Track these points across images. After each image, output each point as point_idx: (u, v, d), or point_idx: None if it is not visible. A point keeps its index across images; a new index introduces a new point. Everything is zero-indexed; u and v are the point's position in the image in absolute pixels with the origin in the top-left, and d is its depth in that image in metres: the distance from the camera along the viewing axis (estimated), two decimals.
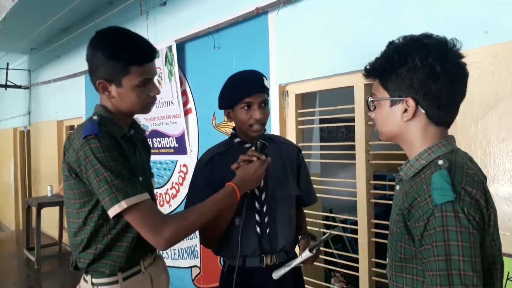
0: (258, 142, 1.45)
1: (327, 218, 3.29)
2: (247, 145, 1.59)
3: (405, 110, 0.96)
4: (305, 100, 2.72)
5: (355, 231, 2.42)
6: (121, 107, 1.31)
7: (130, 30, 1.32)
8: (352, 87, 2.31)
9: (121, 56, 1.23)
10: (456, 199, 0.85)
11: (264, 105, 1.55)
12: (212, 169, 1.58)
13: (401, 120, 0.98)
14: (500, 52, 1.69)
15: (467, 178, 0.89)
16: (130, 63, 1.23)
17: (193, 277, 3.45)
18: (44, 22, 5.00)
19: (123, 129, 1.33)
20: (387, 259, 1.07)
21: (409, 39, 0.98)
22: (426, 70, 0.92)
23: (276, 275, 1.48)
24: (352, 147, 2.36)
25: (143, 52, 1.26)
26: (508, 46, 1.67)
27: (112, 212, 1.18)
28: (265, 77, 1.57)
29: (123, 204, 1.16)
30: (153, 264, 1.42)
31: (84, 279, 1.36)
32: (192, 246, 3.45)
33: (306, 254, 1.46)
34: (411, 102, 0.95)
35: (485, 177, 1.02)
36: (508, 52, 1.67)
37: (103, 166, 1.17)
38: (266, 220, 1.56)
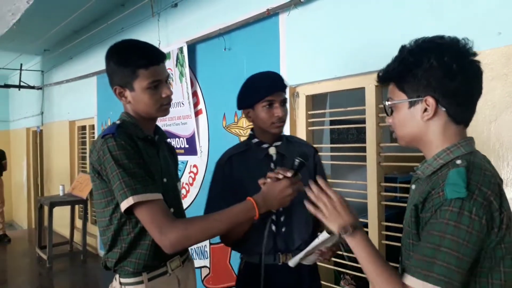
0: (296, 160, 1.36)
1: None
2: (265, 145, 1.62)
3: (425, 110, 0.97)
4: (316, 101, 2.72)
5: (366, 234, 2.41)
6: (139, 110, 1.38)
7: (139, 40, 1.40)
8: (363, 88, 2.30)
9: (128, 61, 1.32)
10: (467, 197, 0.85)
11: (284, 103, 1.58)
12: (231, 169, 1.63)
13: (422, 120, 0.98)
14: None
15: (484, 179, 0.89)
16: (137, 66, 1.31)
17: (202, 278, 3.47)
18: (57, 24, 5.07)
19: (145, 132, 1.38)
20: (401, 257, 1.09)
21: (421, 41, 1.00)
22: (442, 69, 0.93)
23: (292, 262, 1.43)
24: (363, 149, 2.35)
25: (148, 56, 1.33)
26: None
27: (122, 207, 1.22)
28: (283, 77, 1.61)
29: (130, 200, 1.20)
30: (181, 267, 1.44)
31: (115, 278, 1.39)
32: (202, 246, 3.46)
33: (324, 235, 1.35)
34: (430, 100, 0.95)
35: (501, 180, 1.01)
36: None
37: (116, 163, 1.23)
38: (282, 219, 1.58)
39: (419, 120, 0.98)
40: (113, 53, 1.36)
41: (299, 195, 1.57)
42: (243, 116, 1.64)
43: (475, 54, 0.98)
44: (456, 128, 0.99)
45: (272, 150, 1.61)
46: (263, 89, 1.55)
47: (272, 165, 1.61)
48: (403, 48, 1.01)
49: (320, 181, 1.14)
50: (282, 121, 1.57)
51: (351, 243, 1.04)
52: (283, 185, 1.33)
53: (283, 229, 1.57)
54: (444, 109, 0.96)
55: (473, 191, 0.86)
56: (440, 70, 0.94)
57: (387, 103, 1.04)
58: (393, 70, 1.00)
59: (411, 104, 0.98)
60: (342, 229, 1.05)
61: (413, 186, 1.07)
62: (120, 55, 1.34)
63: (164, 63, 1.39)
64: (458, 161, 0.94)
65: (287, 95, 2.68)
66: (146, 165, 1.29)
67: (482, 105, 1.76)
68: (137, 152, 1.28)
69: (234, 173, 1.61)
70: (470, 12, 1.81)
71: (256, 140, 1.64)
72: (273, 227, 1.57)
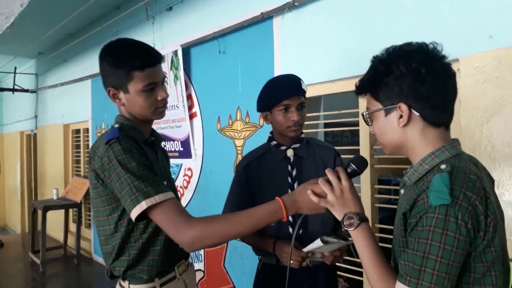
0: (350, 167, 1.14)
1: None
2: (283, 148, 1.65)
3: (400, 116, 0.98)
4: (310, 104, 2.73)
5: None
6: (134, 113, 1.33)
7: (135, 39, 1.35)
8: None
9: (123, 63, 1.26)
10: (452, 203, 0.86)
11: (302, 107, 1.60)
12: (247, 177, 1.67)
13: (398, 127, 0.99)
14: (505, 57, 1.69)
15: (468, 183, 0.89)
16: (132, 68, 1.26)
17: (197, 281, 3.45)
18: (52, 27, 5.06)
19: (144, 134, 1.35)
20: (392, 263, 1.08)
21: (391, 50, 1.01)
22: (411, 74, 0.95)
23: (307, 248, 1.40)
24: (357, 151, 2.36)
25: (144, 57, 1.28)
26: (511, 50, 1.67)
27: (133, 214, 1.15)
28: (302, 81, 1.61)
29: (143, 205, 1.13)
30: (187, 271, 1.44)
31: (121, 285, 1.35)
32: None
33: (317, 243, 1.33)
34: (403, 107, 0.96)
35: (492, 181, 1.02)
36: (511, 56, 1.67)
37: (124, 168, 1.17)
38: (299, 221, 1.58)
39: (396, 127, 0.99)
40: (107, 53, 1.31)
41: None
42: (261, 117, 1.66)
43: (444, 57, 0.99)
44: (436, 131, 0.98)
45: (290, 152, 1.64)
46: (280, 93, 1.57)
47: (289, 167, 1.63)
48: (374, 58, 1.03)
49: (329, 171, 1.10)
50: (299, 125, 1.59)
51: (353, 233, 1.04)
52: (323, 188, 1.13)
53: (300, 231, 1.60)
54: (418, 114, 0.96)
55: (457, 196, 0.86)
56: (409, 76, 0.95)
57: (365, 113, 1.06)
58: (367, 81, 1.02)
59: (387, 112, 1.00)
60: (347, 218, 1.05)
61: (402, 191, 1.07)
62: (114, 56, 1.29)
63: (161, 64, 1.35)
64: (443, 166, 0.94)
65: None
66: (153, 166, 1.24)
67: (474, 107, 1.78)
68: (143, 154, 1.24)
69: (251, 181, 1.66)
70: (463, 16, 1.83)
71: (274, 142, 1.68)
72: (290, 230, 1.60)
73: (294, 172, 1.63)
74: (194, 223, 1.12)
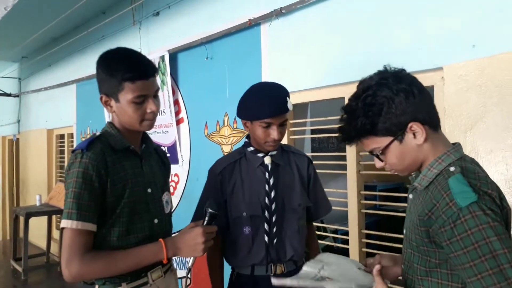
0: (208, 212, 1.33)
1: (317, 229, 3.29)
2: (260, 155, 1.61)
3: (413, 135, 1.00)
4: (297, 110, 2.75)
5: (346, 242, 2.43)
6: (123, 121, 1.36)
7: (133, 50, 1.37)
8: (343, 98, 2.34)
9: (115, 73, 1.28)
10: (479, 198, 0.88)
11: (283, 125, 1.55)
12: (222, 182, 1.61)
13: (417, 145, 1.01)
14: (487, 66, 1.73)
15: (480, 181, 0.93)
16: (123, 79, 1.28)
17: (183, 287, 3.42)
18: (36, 31, 4.98)
19: (124, 142, 1.36)
20: (402, 266, 1.11)
21: (367, 89, 1.02)
22: (402, 94, 0.98)
23: (276, 282, 1.32)
24: (343, 158, 2.38)
25: (136, 70, 1.29)
26: (495, 59, 1.71)
27: (62, 225, 1.24)
28: (288, 96, 1.54)
29: (63, 222, 1.23)
30: (163, 277, 1.42)
31: None
32: (183, 257, 3.42)
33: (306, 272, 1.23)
34: (415, 126, 0.99)
35: None
36: (495, 65, 1.71)
37: (72, 181, 1.24)
38: (274, 229, 1.58)
39: (414, 147, 1.01)
40: (103, 60, 1.34)
41: (290, 205, 1.60)
42: (242, 123, 1.62)
43: (404, 70, 1.06)
44: (437, 135, 1.03)
45: (267, 160, 1.60)
46: (263, 110, 1.49)
47: (267, 175, 1.60)
48: (352, 106, 1.03)
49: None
50: (278, 141, 1.55)
51: None
52: (195, 233, 1.30)
53: (275, 240, 1.57)
54: (426, 125, 1.00)
55: (478, 192, 0.90)
56: (403, 95, 0.98)
57: (377, 153, 1.04)
58: (363, 127, 1.01)
59: (400, 139, 1.01)
60: None
61: (411, 196, 1.10)
62: (108, 64, 1.31)
63: (155, 78, 1.35)
64: (452, 168, 0.97)
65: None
66: (103, 189, 1.27)
67: (457, 115, 1.81)
68: (99, 173, 1.26)
69: (226, 186, 1.61)
70: (446, 25, 1.87)
71: (251, 148, 1.63)
72: (265, 238, 1.57)
73: (271, 180, 1.59)
74: (83, 260, 1.21)
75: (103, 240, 1.30)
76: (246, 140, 1.67)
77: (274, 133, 1.51)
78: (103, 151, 1.29)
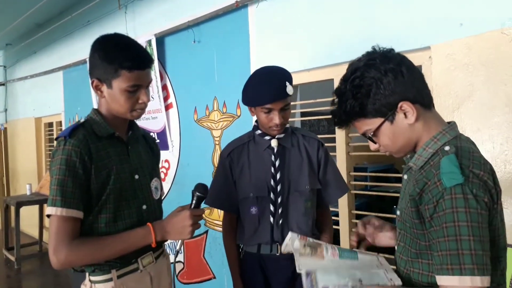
0: (196, 195, 1.34)
1: None
2: (267, 138, 1.65)
3: (404, 115, 0.99)
4: None
5: (336, 223, 2.45)
6: (111, 108, 1.35)
7: (131, 38, 1.37)
8: (332, 80, 2.33)
9: (113, 59, 1.28)
10: (465, 181, 0.88)
11: (285, 109, 1.57)
12: (231, 164, 1.68)
13: (409, 125, 1.00)
14: (474, 44, 1.73)
15: (474, 161, 0.92)
16: (120, 66, 1.27)
17: (176, 273, 3.45)
18: (19, 17, 4.87)
19: (109, 129, 1.35)
20: (396, 247, 1.11)
21: (355, 71, 1.01)
22: (392, 73, 0.97)
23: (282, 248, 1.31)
24: (333, 140, 2.38)
25: (134, 59, 1.29)
26: (482, 38, 1.71)
27: (47, 211, 1.24)
28: (290, 80, 1.56)
29: (48, 209, 1.23)
30: (154, 263, 1.43)
31: (85, 277, 1.38)
32: (175, 241, 3.44)
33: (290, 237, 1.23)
34: (405, 105, 0.97)
35: None
36: (482, 44, 1.71)
37: (56, 168, 1.24)
38: (280, 210, 1.61)
39: (406, 127, 1.00)
40: (100, 45, 1.32)
41: (297, 187, 1.63)
42: (248, 109, 1.64)
43: (393, 50, 1.05)
44: (431, 113, 1.02)
45: (274, 143, 1.64)
46: (263, 96, 1.53)
47: (273, 158, 1.63)
48: (341, 89, 1.02)
49: None
50: (282, 125, 1.58)
51: None
52: (182, 215, 1.30)
53: (280, 221, 1.61)
54: (416, 103, 0.99)
55: (468, 174, 0.89)
56: (389, 76, 0.97)
57: (369, 135, 1.04)
58: (352, 109, 1.00)
59: (391, 119, 1.00)
60: None
61: (405, 176, 1.10)
62: (106, 50, 1.30)
63: (150, 69, 1.36)
64: (447, 148, 0.97)
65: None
66: (83, 174, 1.26)
67: (445, 94, 1.82)
68: (82, 160, 1.25)
69: (234, 167, 1.67)
70: (433, 5, 1.86)
71: (259, 131, 1.67)
72: (271, 219, 1.61)
73: (277, 163, 1.63)
74: (70, 246, 1.21)
75: (91, 227, 1.30)
76: (255, 123, 1.71)
77: (276, 118, 1.55)
78: (86, 138, 1.29)
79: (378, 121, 1.00)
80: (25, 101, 6.31)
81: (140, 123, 3.68)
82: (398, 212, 1.10)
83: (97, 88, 1.34)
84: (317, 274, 1.02)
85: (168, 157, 3.55)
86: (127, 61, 1.27)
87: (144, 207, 1.41)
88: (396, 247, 1.12)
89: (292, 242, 1.15)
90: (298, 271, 1.05)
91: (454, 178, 0.89)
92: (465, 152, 0.94)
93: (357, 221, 2.32)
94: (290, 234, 1.19)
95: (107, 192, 1.30)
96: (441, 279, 0.89)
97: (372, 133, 1.02)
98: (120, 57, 1.27)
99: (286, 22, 2.53)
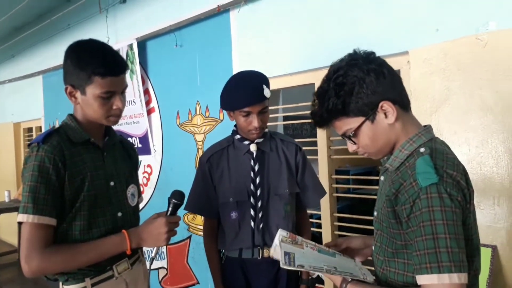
0: (172, 202, 1.34)
1: None
2: (246, 142, 1.66)
3: (385, 115, 1.00)
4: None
5: (319, 225, 2.47)
6: (87, 114, 1.34)
7: (106, 44, 1.35)
8: (313, 84, 2.35)
9: (85, 66, 1.26)
10: (440, 181, 0.90)
11: (263, 112, 1.58)
12: (210, 169, 1.67)
13: (389, 125, 1.01)
14: (451, 49, 1.77)
15: (447, 162, 0.95)
16: (93, 73, 1.26)
17: (160, 279, 3.41)
18: None
19: (83, 135, 1.34)
20: (373, 247, 1.12)
21: (333, 73, 1.02)
22: (373, 74, 0.99)
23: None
24: (315, 143, 2.40)
25: (107, 65, 1.27)
26: (458, 43, 1.75)
27: (18, 219, 1.22)
28: (266, 83, 1.56)
29: (19, 217, 1.21)
30: (129, 269, 1.41)
31: (59, 286, 1.35)
32: (151, 249, 3.40)
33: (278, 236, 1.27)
34: (386, 105, 0.99)
35: None
36: (458, 49, 1.75)
37: (28, 174, 1.22)
38: (260, 215, 1.62)
39: (386, 127, 1.01)
40: (73, 51, 1.30)
41: (276, 190, 1.64)
42: (227, 113, 1.64)
43: (374, 53, 1.07)
44: (408, 115, 1.04)
45: (253, 147, 1.65)
46: (240, 99, 1.54)
47: (252, 162, 1.64)
48: (323, 88, 1.03)
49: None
50: (260, 128, 1.58)
51: None
52: (158, 223, 1.30)
53: (261, 225, 1.62)
54: (396, 104, 1.00)
55: (442, 174, 0.91)
56: (371, 76, 0.99)
57: (349, 134, 1.04)
58: (335, 107, 1.01)
59: (372, 118, 1.01)
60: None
61: (382, 178, 1.11)
62: (78, 56, 1.28)
63: (125, 75, 1.34)
64: (422, 149, 0.99)
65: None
66: (61, 182, 1.24)
67: (422, 98, 1.86)
68: (55, 166, 1.23)
69: (214, 172, 1.67)
70: (410, 10, 1.90)
71: (238, 136, 1.68)
72: (252, 223, 1.62)
73: (256, 167, 1.64)
74: (42, 254, 1.19)
75: (65, 235, 1.27)
76: (234, 128, 1.71)
77: (254, 121, 1.55)
78: (60, 143, 1.27)
79: (359, 120, 1.01)
80: (4, 106, 6.17)
81: (122, 127, 3.64)
82: (375, 213, 1.11)
83: (71, 95, 1.32)
84: (296, 255, 1.09)
85: (151, 162, 3.52)
86: (100, 67, 1.25)
87: (120, 214, 1.39)
88: (373, 247, 1.14)
89: (278, 236, 1.19)
90: (275, 249, 1.13)
91: (429, 178, 0.91)
92: (439, 154, 0.97)
93: (339, 223, 2.35)
94: (279, 232, 1.21)
95: (81, 199, 1.28)
96: (420, 279, 0.90)
97: (352, 133, 1.03)
98: (92, 63, 1.25)
99: (268, 27, 2.54)
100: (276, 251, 1.15)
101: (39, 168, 1.21)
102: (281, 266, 1.05)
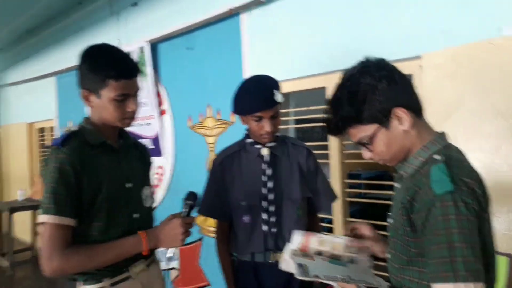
0: (187, 203, 1.40)
1: None
2: (258, 146, 1.67)
3: (399, 121, 1.00)
4: None
5: (330, 230, 2.47)
6: (102, 118, 1.37)
7: (118, 48, 1.38)
8: (324, 88, 2.35)
9: (99, 70, 1.29)
10: (455, 189, 0.90)
11: (275, 117, 1.59)
12: (222, 172, 1.69)
13: (403, 131, 1.01)
14: (463, 54, 1.76)
15: (462, 170, 0.94)
16: (107, 76, 1.29)
17: (171, 279, 3.44)
18: (10, 23, 4.84)
19: (102, 138, 1.37)
20: (388, 254, 1.12)
21: (346, 80, 1.03)
22: (386, 79, 0.99)
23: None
24: (326, 147, 2.40)
25: (121, 68, 1.31)
26: (469, 47, 1.74)
27: (39, 219, 1.25)
28: (277, 88, 1.56)
29: (40, 217, 1.24)
30: (146, 271, 1.44)
31: (77, 286, 1.39)
32: (166, 249, 3.43)
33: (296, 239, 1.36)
34: (399, 111, 0.99)
35: None
36: (469, 53, 1.74)
37: (49, 176, 1.25)
38: (272, 219, 1.63)
39: (401, 133, 1.01)
40: (86, 56, 1.34)
41: (289, 195, 1.64)
42: (239, 117, 1.66)
43: (385, 60, 1.07)
44: (422, 121, 1.04)
45: (264, 151, 1.66)
46: (251, 104, 1.55)
47: (263, 166, 1.65)
48: (336, 96, 1.04)
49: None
50: (272, 133, 1.59)
51: None
52: (174, 224, 1.34)
53: (274, 229, 1.62)
54: (410, 110, 1.00)
55: (457, 182, 0.91)
56: (385, 81, 0.99)
57: (364, 142, 1.04)
58: (348, 116, 1.01)
59: (386, 125, 1.01)
60: None
61: (397, 185, 1.11)
62: (92, 60, 1.32)
63: (137, 78, 1.37)
64: (437, 157, 0.98)
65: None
66: (80, 184, 1.27)
67: (436, 103, 1.84)
68: (74, 169, 1.26)
69: (226, 176, 1.69)
70: (420, 15, 1.89)
71: (250, 140, 1.69)
72: (264, 227, 1.62)
73: (268, 171, 1.64)
74: (63, 254, 1.23)
75: (84, 235, 1.30)
76: (246, 132, 1.72)
77: (266, 125, 1.56)
78: (79, 146, 1.31)
79: (373, 127, 1.02)
80: (18, 106, 6.27)
81: (134, 129, 3.67)
82: (390, 220, 1.11)
83: (86, 99, 1.36)
84: (309, 266, 1.12)
85: (162, 163, 3.55)
86: (114, 71, 1.29)
87: (136, 215, 1.42)
88: (388, 255, 1.14)
89: (288, 250, 1.22)
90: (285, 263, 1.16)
91: (444, 186, 0.90)
92: (455, 161, 0.96)
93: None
94: (289, 245, 1.24)
95: (99, 200, 1.31)
96: (435, 286, 0.90)
97: (367, 140, 1.04)
98: (106, 67, 1.29)
99: (279, 30, 2.54)
100: (287, 264, 1.17)
101: (59, 170, 1.24)
102: (296, 277, 1.07)
